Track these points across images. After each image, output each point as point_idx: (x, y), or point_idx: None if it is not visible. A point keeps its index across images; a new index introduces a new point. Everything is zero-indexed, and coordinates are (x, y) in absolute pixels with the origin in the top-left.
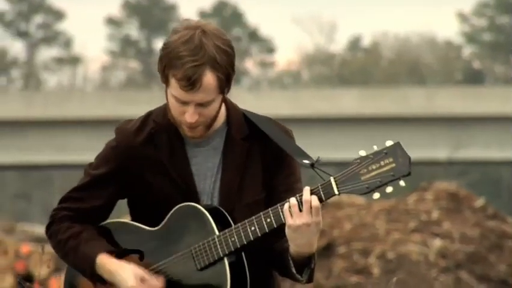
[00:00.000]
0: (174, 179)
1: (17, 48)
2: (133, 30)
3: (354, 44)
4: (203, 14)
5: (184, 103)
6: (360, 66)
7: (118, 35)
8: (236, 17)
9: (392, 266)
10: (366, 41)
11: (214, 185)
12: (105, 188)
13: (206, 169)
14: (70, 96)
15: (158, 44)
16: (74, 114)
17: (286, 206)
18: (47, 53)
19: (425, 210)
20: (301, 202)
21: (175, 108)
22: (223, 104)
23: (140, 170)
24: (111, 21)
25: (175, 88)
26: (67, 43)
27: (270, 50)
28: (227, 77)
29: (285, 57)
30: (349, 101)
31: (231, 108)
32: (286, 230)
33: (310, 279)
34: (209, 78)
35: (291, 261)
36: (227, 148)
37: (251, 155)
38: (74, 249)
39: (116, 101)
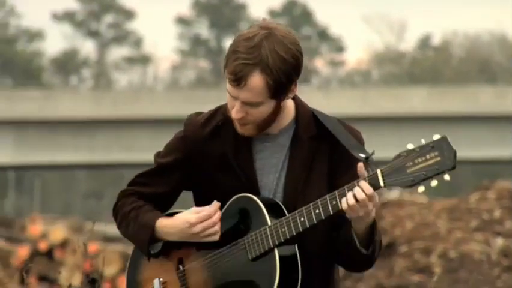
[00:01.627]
0: (236, 172)
1: (87, 47)
2: (203, 30)
3: (424, 43)
4: (273, 13)
5: (233, 98)
6: (430, 64)
7: (187, 34)
8: (306, 16)
9: (454, 265)
10: (436, 40)
11: (278, 181)
12: (169, 177)
13: (270, 165)
14: (139, 95)
15: (228, 43)
16: (143, 113)
17: (344, 204)
18: (117, 53)
19: (487, 209)
20: (354, 194)
21: (228, 102)
22: (293, 104)
23: (204, 162)
24: (181, 21)
25: (227, 81)
26: (137, 42)
27: (340, 48)
28: (277, 83)
29: (355, 56)
30: (418, 100)
31: (300, 106)
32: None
33: (373, 253)
34: (256, 80)
35: (354, 236)
36: (294, 146)
37: (318, 154)
38: (135, 219)
39: (185, 100)
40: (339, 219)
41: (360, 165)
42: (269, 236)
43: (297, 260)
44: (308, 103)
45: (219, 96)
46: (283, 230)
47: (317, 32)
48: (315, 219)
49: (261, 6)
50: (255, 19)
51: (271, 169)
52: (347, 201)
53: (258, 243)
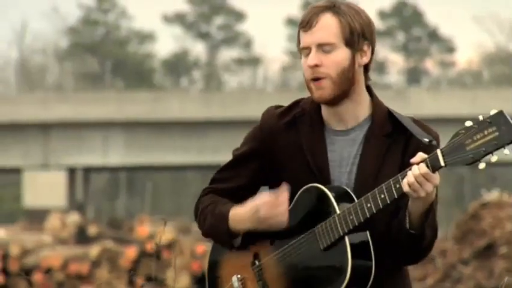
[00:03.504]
0: (310, 164)
1: (198, 49)
2: None
3: None
4: (382, 14)
5: (307, 51)
6: None
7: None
8: (416, 17)
9: None
10: None
11: (349, 176)
12: (246, 167)
13: (341, 158)
14: (249, 96)
15: None
16: (253, 115)
17: (406, 187)
18: (227, 54)
19: None
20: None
21: (303, 65)
22: (369, 99)
23: (279, 152)
24: (291, 22)
25: (301, 38)
26: (247, 44)
27: (450, 49)
28: (350, 27)
29: (466, 56)
30: None
31: (376, 103)
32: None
33: (423, 236)
34: (328, 18)
35: (406, 217)
36: (367, 142)
37: (391, 152)
38: (212, 212)
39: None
40: (397, 207)
41: (420, 153)
42: (338, 225)
43: (370, 246)
44: (417, 104)
45: None
46: (351, 217)
47: (427, 32)
48: (381, 204)
49: (370, 6)
50: None
51: (343, 162)
52: (407, 181)
53: (328, 233)
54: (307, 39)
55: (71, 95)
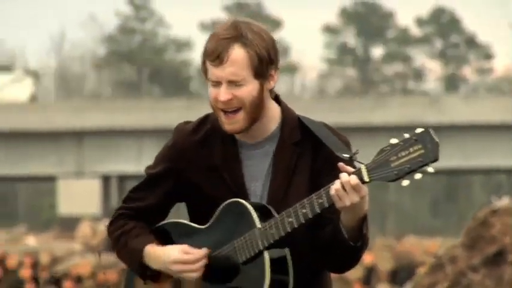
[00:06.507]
0: (226, 180)
1: None
2: (350, 38)
3: None
4: (420, 21)
5: (217, 83)
6: None
7: (334, 43)
8: (453, 24)
9: None
10: None
11: (264, 189)
12: (160, 187)
13: (257, 172)
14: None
15: (376, 51)
16: None
17: (332, 191)
18: None
19: None
20: (343, 184)
21: (212, 96)
22: (279, 109)
23: (193, 170)
24: (328, 29)
25: (209, 70)
26: (284, 51)
27: (488, 56)
28: (258, 57)
29: (503, 63)
30: None
31: (285, 112)
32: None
33: (362, 247)
34: (237, 52)
35: (342, 229)
36: (278, 152)
37: (301, 160)
38: (124, 245)
39: (332, 109)
40: (324, 219)
41: (341, 164)
42: (258, 239)
43: (288, 261)
44: (451, 111)
45: (365, 104)
46: (271, 232)
47: (465, 39)
48: (302, 219)
49: (408, 13)
50: (402, 27)
51: (258, 176)
52: (334, 186)
53: (247, 247)
54: (217, 73)
55: (105, 103)
